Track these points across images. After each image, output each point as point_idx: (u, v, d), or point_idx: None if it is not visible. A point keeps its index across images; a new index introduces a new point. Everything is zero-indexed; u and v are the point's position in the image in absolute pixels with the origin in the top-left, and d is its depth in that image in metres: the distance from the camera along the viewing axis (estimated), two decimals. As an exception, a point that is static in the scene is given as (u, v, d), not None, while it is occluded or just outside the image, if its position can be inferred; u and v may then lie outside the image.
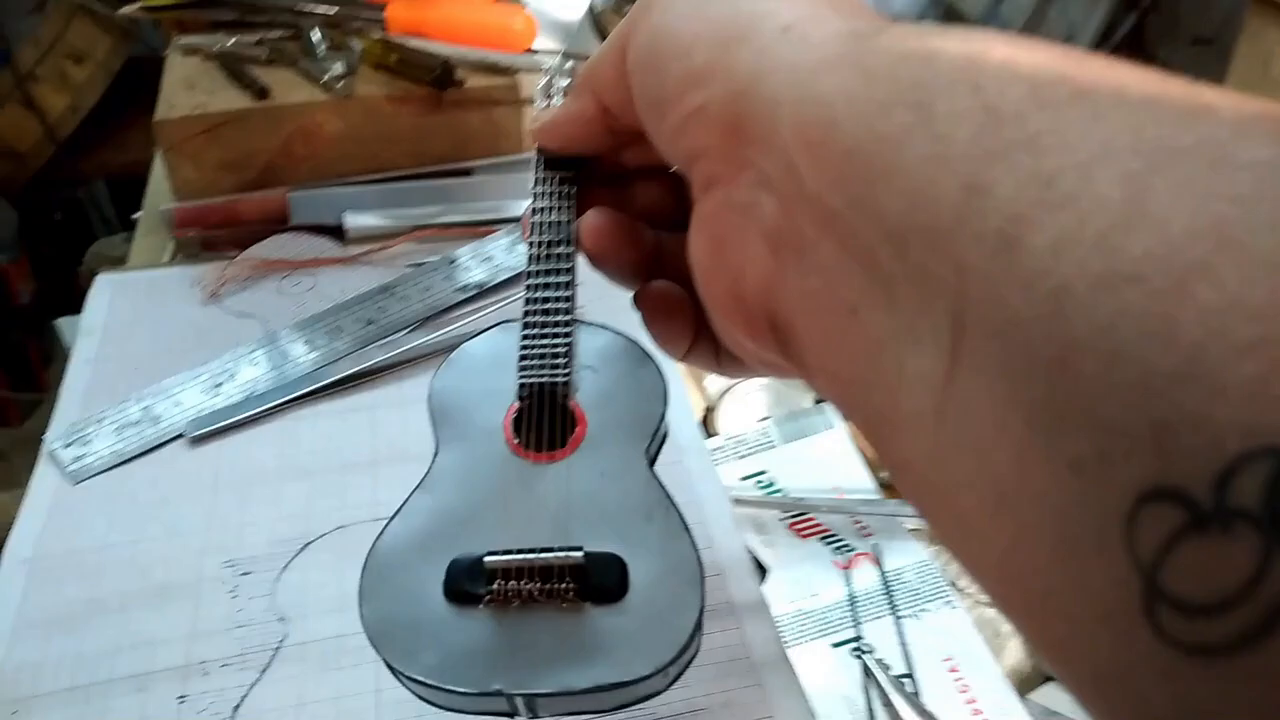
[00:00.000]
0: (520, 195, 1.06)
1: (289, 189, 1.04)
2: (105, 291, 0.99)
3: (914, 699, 0.90)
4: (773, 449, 1.13)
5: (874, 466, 1.08)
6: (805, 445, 1.13)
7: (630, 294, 0.52)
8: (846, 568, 0.99)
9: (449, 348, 0.87)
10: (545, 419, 0.58)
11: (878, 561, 1.00)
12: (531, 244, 0.59)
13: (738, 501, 1.02)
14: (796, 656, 0.90)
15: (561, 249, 0.58)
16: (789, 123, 0.35)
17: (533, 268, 0.59)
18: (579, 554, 0.53)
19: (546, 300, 0.58)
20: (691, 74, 0.40)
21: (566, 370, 0.58)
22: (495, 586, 0.52)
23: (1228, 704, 0.22)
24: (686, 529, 0.55)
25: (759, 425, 1.14)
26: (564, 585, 0.52)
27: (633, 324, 0.56)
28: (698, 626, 0.52)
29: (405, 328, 0.93)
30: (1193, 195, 0.24)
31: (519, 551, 0.53)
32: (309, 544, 0.75)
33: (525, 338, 0.59)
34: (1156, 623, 0.23)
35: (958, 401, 0.28)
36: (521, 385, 0.58)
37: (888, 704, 0.89)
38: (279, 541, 0.75)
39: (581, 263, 0.56)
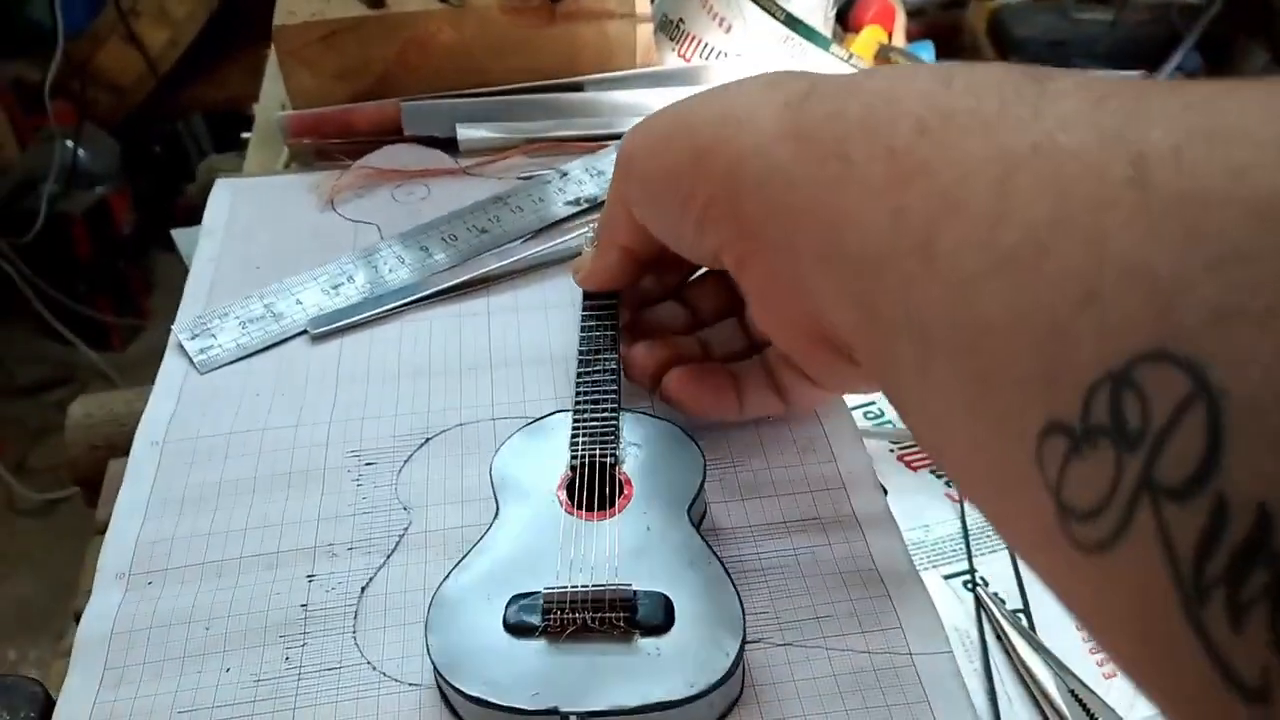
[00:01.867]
0: (634, 111, 1.04)
1: (403, 99, 1.04)
2: (225, 194, 1.00)
3: (1030, 634, 0.87)
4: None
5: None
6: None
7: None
8: (959, 500, 0.97)
9: (561, 258, 0.86)
10: (595, 483, 0.65)
11: (991, 494, 0.97)
12: (582, 350, 0.73)
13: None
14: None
15: (606, 353, 0.72)
16: (768, 193, 0.45)
17: (582, 370, 0.72)
18: (629, 588, 0.58)
19: (594, 391, 0.70)
20: (686, 198, 0.52)
21: (614, 442, 0.67)
22: (551, 617, 0.57)
23: (1109, 592, 0.28)
24: (729, 575, 0.60)
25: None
26: (615, 616, 0.57)
27: (671, 414, 0.71)
28: (739, 657, 0.56)
29: (519, 237, 0.92)
30: (1047, 188, 0.30)
31: (574, 588, 0.58)
32: (430, 439, 0.75)
33: (576, 419, 0.69)
34: (1068, 531, 0.29)
35: (931, 384, 0.36)
36: (574, 456, 0.66)
37: (1002, 638, 0.87)
38: (401, 435, 0.75)
39: None
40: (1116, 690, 0.82)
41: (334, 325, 0.84)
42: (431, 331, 0.84)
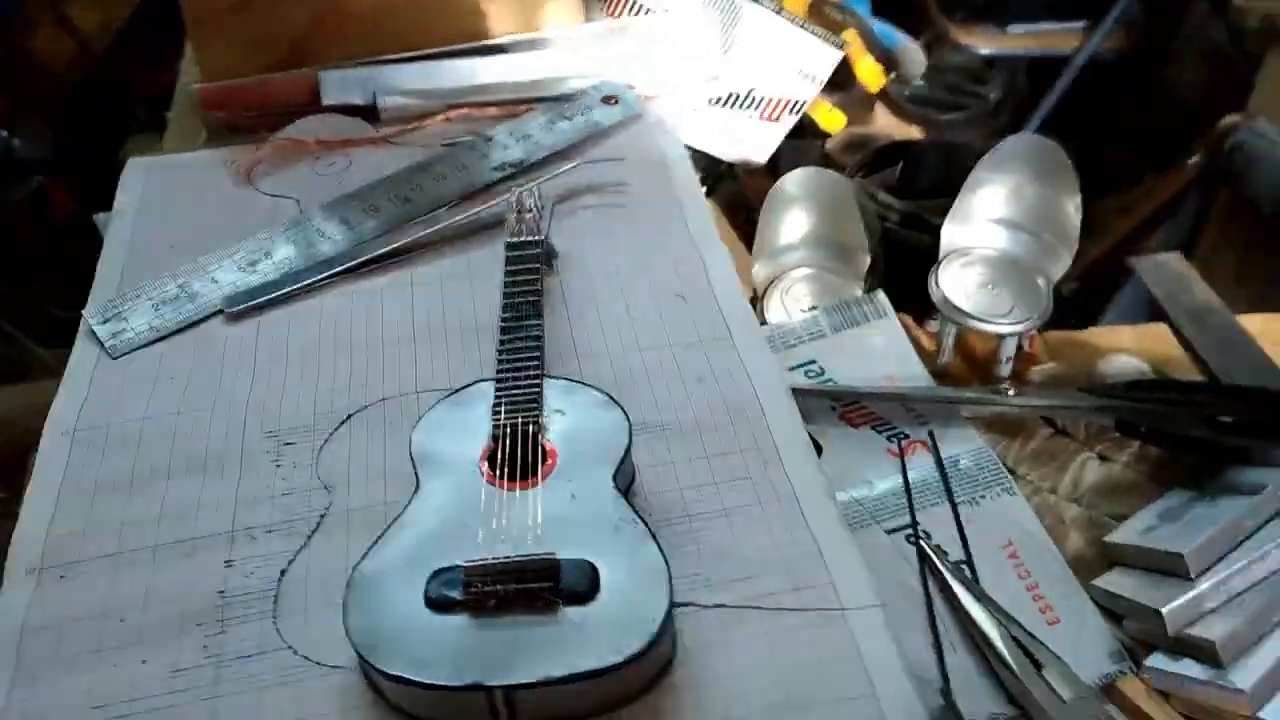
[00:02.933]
0: (561, 71, 1.01)
1: (319, 68, 1.00)
2: (138, 175, 0.96)
3: (973, 585, 0.87)
4: (822, 338, 1.09)
5: (927, 355, 1.04)
6: (855, 335, 1.08)
7: None
8: (900, 455, 0.96)
9: (485, 225, 0.84)
10: (518, 452, 0.63)
11: (933, 448, 0.96)
12: (504, 317, 0.72)
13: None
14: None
15: (529, 320, 0.72)
16: None
17: (504, 337, 0.71)
18: (551, 557, 0.56)
19: (516, 359, 0.69)
20: None
21: (537, 410, 0.65)
22: (472, 590, 0.56)
23: None
24: (654, 538, 0.58)
25: (807, 315, 1.10)
26: (538, 587, 0.55)
27: (600, 378, 0.69)
28: (667, 621, 0.55)
29: (442, 205, 0.90)
30: None
31: (496, 559, 0.56)
32: (351, 416, 0.73)
33: (498, 389, 0.67)
34: None
35: None
36: (495, 425, 0.65)
37: (945, 589, 0.86)
38: (321, 414, 0.73)
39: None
40: (1060, 636, 0.82)
41: (251, 303, 0.81)
42: (353, 306, 0.82)
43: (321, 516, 0.66)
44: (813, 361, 1.08)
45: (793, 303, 1.13)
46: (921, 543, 0.90)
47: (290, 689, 0.58)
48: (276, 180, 0.95)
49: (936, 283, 1.02)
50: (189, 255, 0.85)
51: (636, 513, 0.60)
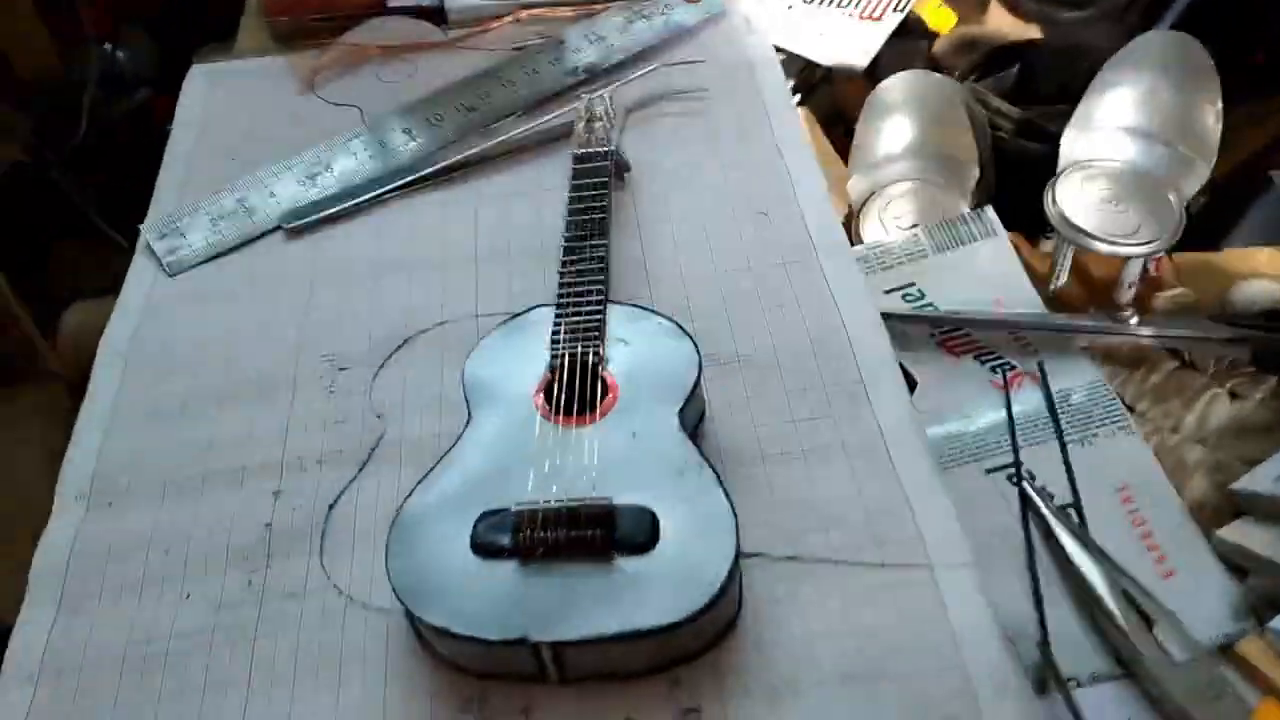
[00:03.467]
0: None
1: (387, -32, 0.95)
2: (200, 83, 0.93)
3: (1080, 531, 0.79)
4: (924, 259, 1.00)
5: (1039, 278, 0.95)
6: (960, 255, 0.99)
7: None
8: (1005, 388, 0.88)
9: (556, 136, 0.78)
10: (576, 385, 0.58)
11: (1042, 381, 0.88)
12: (566, 236, 0.66)
13: (884, 315, 0.92)
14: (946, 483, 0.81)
15: (594, 240, 0.66)
16: None
17: (567, 258, 0.65)
18: (606, 502, 0.52)
19: (578, 283, 0.63)
20: None
21: (597, 341, 0.60)
22: (522, 536, 0.51)
23: None
24: (721, 483, 0.53)
25: (908, 233, 1.01)
26: (592, 534, 0.51)
27: (663, 308, 0.63)
28: (731, 576, 0.50)
29: (510, 114, 0.84)
30: None
31: (546, 502, 0.52)
32: (408, 340, 0.69)
33: (558, 315, 0.62)
34: None
35: None
36: (553, 356, 0.59)
37: (1049, 536, 0.79)
38: (378, 338, 0.69)
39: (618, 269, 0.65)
40: (1175, 591, 0.75)
41: (309, 219, 0.77)
42: (415, 223, 0.77)
43: (373, 448, 0.63)
44: (912, 284, 1.00)
45: (892, 220, 1.05)
46: (1024, 484, 0.82)
47: (332, 632, 0.55)
48: (340, 88, 0.90)
49: (1054, 198, 0.93)
50: (249, 167, 0.82)
51: (703, 455, 0.54)
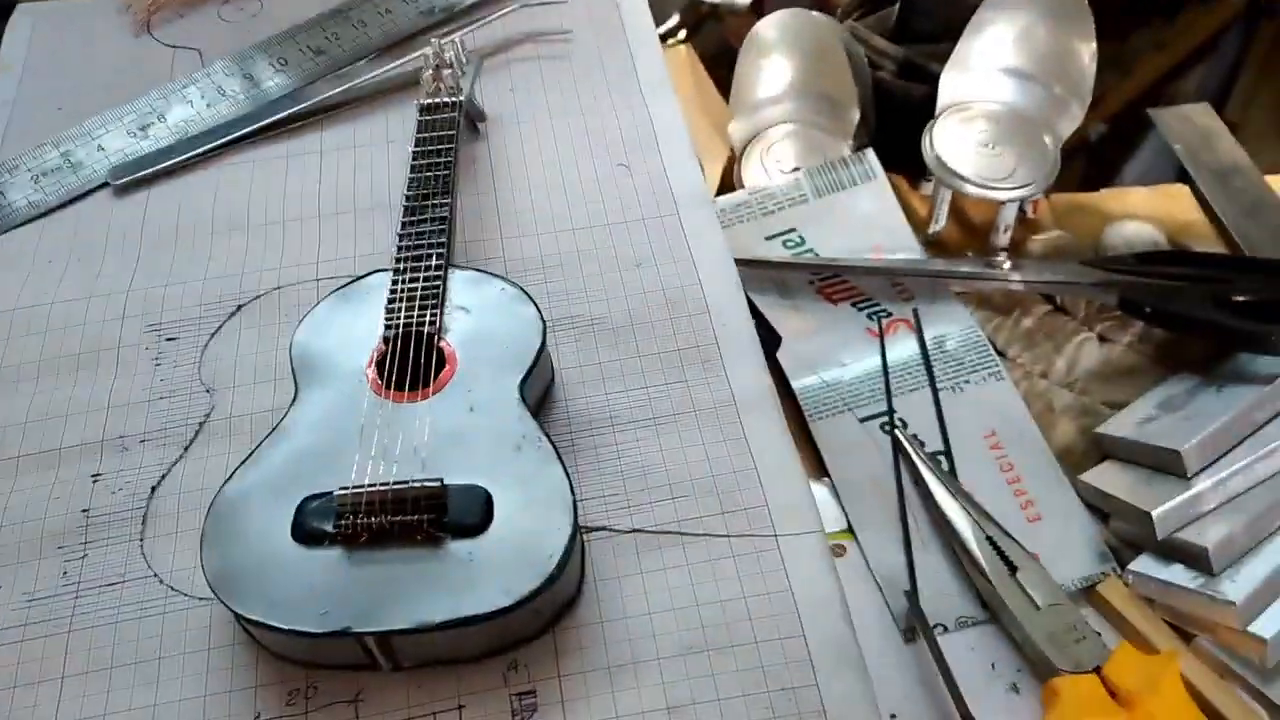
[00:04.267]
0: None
1: (229, -104, 0.88)
2: (25, 25, 0.86)
3: (949, 477, 0.80)
4: (804, 204, 0.98)
5: (919, 222, 0.94)
6: (842, 199, 0.98)
7: None
8: (880, 335, 0.87)
9: (406, 83, 0.74)
10: (411, 359, 0.55)
11: (917, 328, 0.87)
12: (408, 195, 0.62)
13: (760, 264, 0.90)
14: (820, 431, 0.80)
15: (437, 199, 0.61)
16: None
17: (406, 218, 0.61)
18: (436, 484, 0.49)
19: (418, 245, 0.59)
20: None
21: (434, 310, 0.56)
22: (344, 522, 0.48)
23: None
24: (559, 458, 0.51)
25: (789, 177, 0.99)
26: (420, 518, 0.48)
27: (515, 268, 0.61)
28: (568, 555, 0.48)
29: (361, 58, 0.79)
30: None
31: (372, 485, 0.49)
32: (242, 306, 0.64)
33: (394, 282, 0.58)
34: None
35: None
36: (387, 327, 0.56)
37: (919, 482, 0.79)
38: (209, 304, 0.65)
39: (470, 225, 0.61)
40: (1042, 535, 0.75)
41: (140, 174, 0.72)
42: (253, 177, 0.72)
43: (201, 424, 0.59)
44: (792, 230, 0.98)
45: (773, 163, 1.02)
46: (896, 431, 0.82)
47: (151, 622, 0.52)
48: (178, 29, 0.84)
49: (931, 142, 0.91)
50: (76, 118, 0.76)
51: (542, 428, 0.52)
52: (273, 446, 0.52)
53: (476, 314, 0.57)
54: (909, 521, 0.78)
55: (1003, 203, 0.89)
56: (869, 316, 0.90)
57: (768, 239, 0.97)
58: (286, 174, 0.72)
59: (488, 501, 0.49)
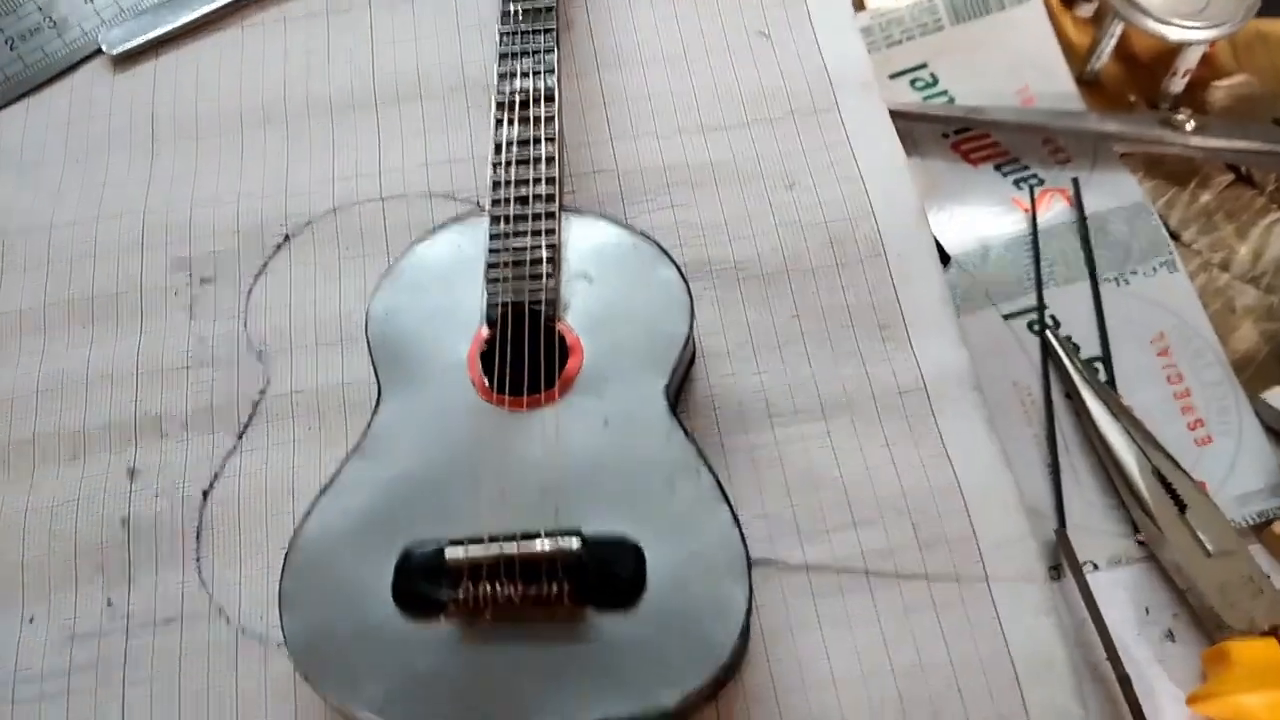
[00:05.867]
0: None
1: None
2: None
3: (1108, 390, 0.68)
4: (939, 32, 0.82)
5: (1073, 52, 0.78)
6: (983, 28, 0.82)
7: None
8: (1030, 209, 0.74)
9: None
10: (525, 350, 0.42)
11: (1076, 202, 0.74)
12: (500, 96, 0.47)
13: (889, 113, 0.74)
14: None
15: (539, 104, 0.46)
16: None
17: (501, 136, 0.46)
18: (574, 541, 0.38)
19: (522, 181, 0.45)
20: None
21: (552, 280, 0.43)
22: (462, 590, 0.38)
23: None
24: (724, 495, 0.39)
25: (921, -4, 0.82)
26: (555, 586, 0.37)
27: (639, 220, 0.46)
28: (745, 634, 0.38)
29: None
30: None
31: (492, 539, 0.38)
32: (291, 237, 0.51)
33: (494, 236, 0.44)
34: None
35: None
36: (490, 305, 0.43)
37: (1072, 394, 0.68)
38: (249, 231, 0.51)
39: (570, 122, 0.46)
40: (1209, 459, 0.66)
41: (144, 37, 0.56)
42: (287, 43, 0.56)
43: (255, 403, 0.47)
44: (923, 65, 0.82)
45: (903, -25, 0.85)
46: (1049, 334, 0.71)
47: (222, 672, 0.42)
48: None
49: (1108, -44, 0.74)
50: (52, -49, 0.59)
51: (699, 450, 0.40)
52: (359, 470, 0.41)
53: (602, 282, 0.43)
54: (1058, 441, 0.68)
55: (1188, 44, 0.74)
56: (1016, 184, 0.77)
57: (892, 77, 0.82)
58: (328, 36, 0.56)
59: (639, 559, 0.38)
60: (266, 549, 0.44)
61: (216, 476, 0.46)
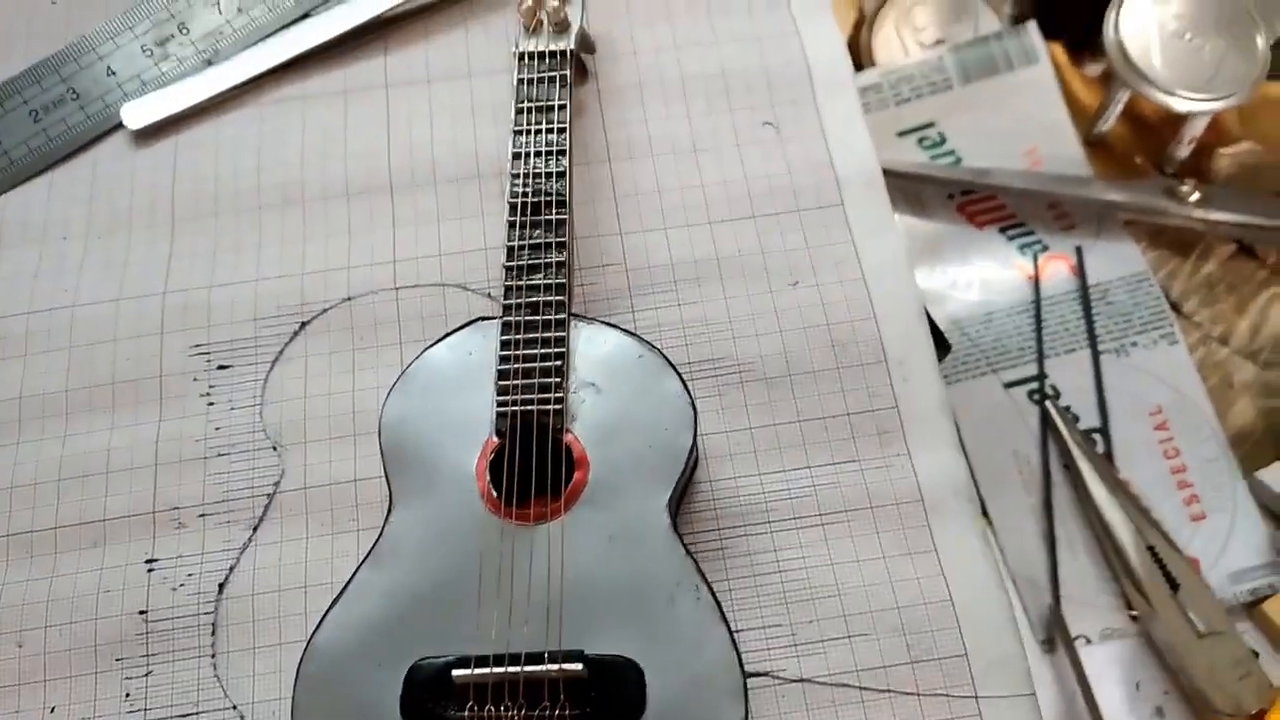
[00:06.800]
0: None
1: None
2: None
3: (1105, 464, 0.70)
4: (948, 91, 0.82)
5: (1086, 117, 0.79)
6: (993, 87, 0.81)
7: None
8: (1034, 276, 0.74)
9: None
10: (533, 461, 0.43)
11: (1079, 273, 0.74)
12: (514, 199, 0.47)
13: (891, 174, 0.75)
14: (957, 396, 0.70)
15: (551, 210, 0.47)
16: None
17: (515, 239, 0.46)
18: (578, 665, 0.39)
19: (534, 286, 0.46)
20: None
21: (560, 390, 0.44)
22: (468, 710, 0.39)
23: None
24: (720, 612, 0.41)
25: (930, 54, 0.82)
26: (559, 709, 0.39)
27: (645, 316, 0.48)
28: None
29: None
30: None
31: (498, 661, 0.40)
32: (306, 324, 0.52)
33: (505, 344, 0.45)
34: None
35: None
36: (500, 415, 0.44)
37: (1069, 465, 0.69)
38: (265, 317, 0.53)
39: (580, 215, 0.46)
40: (1203, 535, 0.67)
41: (165, 113, 0.57)
42: (305, 120, 0.57)
43: (270, 496, 0.49)
44: (931, 124, 0.83)
45: (911, 34, 0.85)
46: (1048, 403, 0.72)
47: (239, 774, 0.44)
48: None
49: (1115, 25, 0.74)
50: (74, 26, 0.60)
51: (698, 567, 0.42)
52: (370, 580, 0.42)
53: (609, 393, 0.45)
54: (1054, 512, 0.69)
55: (1195, 115, 0.74)
56: (1020, 249, 0.77)
57: (900, 135, 0.82)
58: (346, 117, 0.57)
59: (639, 679, 0.40)
60: (279, 646, 0.45)
61: (232, 570, 0.47)
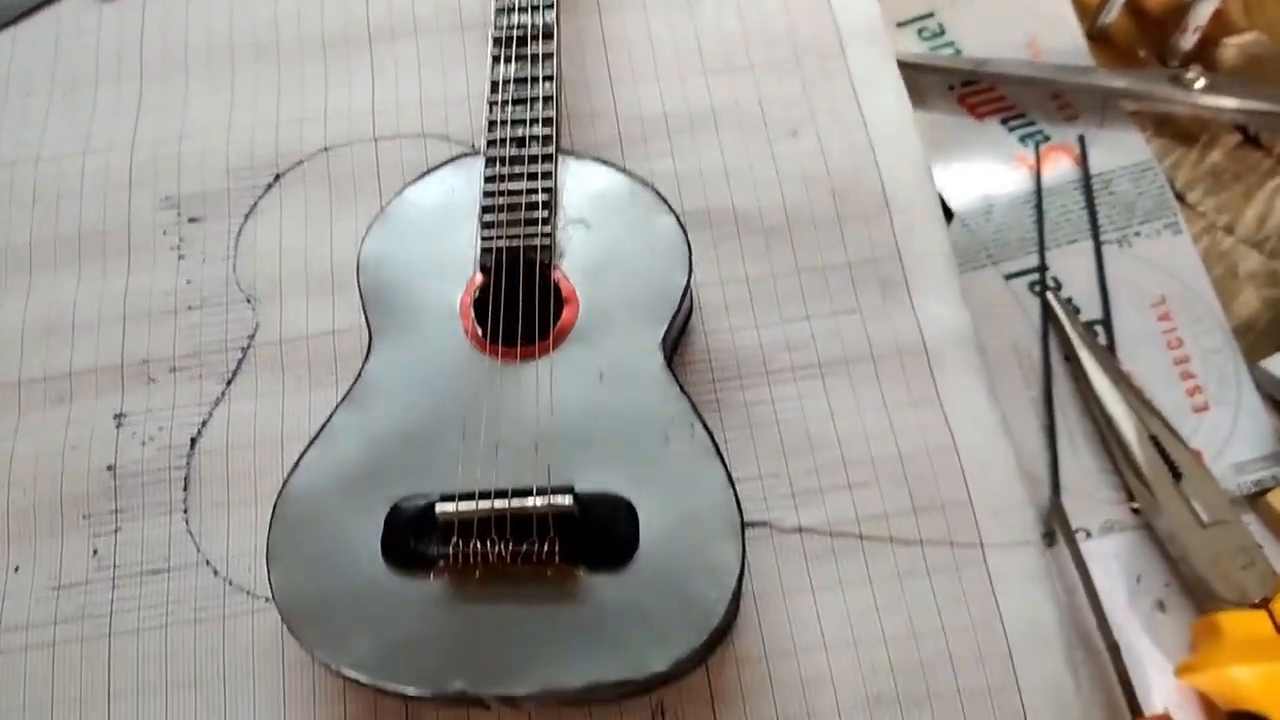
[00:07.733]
0: None
1: None
2: None
3: (1108, 355, 0.68)
4: (949, -22, 0.80)
5: (1088, 11, 0.76)
6: (996, -32, 0.79)
7: None
8: (1036, 168, 0.72)
9: None
10: (519, 298, 0.41)
11: (1080, 158, 0.72)
12: (498, 32, 0.45)
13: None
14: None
15: (538, 41, 0.45)
16: None
17: (498, 74, 0.44)
18: (567, 499, 0.37)
19: (519, 121, 0.44)
20: None
21: (547, 225, 0.42)
22: (452, 546, 0.37)
23: None
24: (717, 450, 0.38)
25: (931, -68, 0.80)
26: (547, 544, 0.37)
27: (638, 167, 0.44)
28: (736, 597, 0.37)
29: None
30: None
31: (483, 495, 0.37)
32: (281, 176, 0.50)
33: (489, 179, 0.43)
34: None
35: None
36: (485, 251, 0.41)
37: (1070, 357, 0.67)
38: (239, 169, 0.50)
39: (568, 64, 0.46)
40: (1207, 427, 0.65)
41: (129, -34, 0.54)
42: (280, -27, 0.54)
43: (244, 349, 0.46)
44: (930, 14, 0.81)
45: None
46: (1049, 294, 0.70)
47: (209, 627, 0.42)
48: None
49: (1122, -97, 0.72)
50: None
51: (694, 406, 0.40)
52: (349, 420, 0.40)
53: (599, 229, 0.42)
54: (1055, 405, 0.67)
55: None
56: (1021, 140, 0.75)
57: (899, 25, 0.80)
58: (322, -30, 0.54)
59: (631, 517, 0.38)
60: (255, 501, 0.43)
61: (204, 424, 0.45)
